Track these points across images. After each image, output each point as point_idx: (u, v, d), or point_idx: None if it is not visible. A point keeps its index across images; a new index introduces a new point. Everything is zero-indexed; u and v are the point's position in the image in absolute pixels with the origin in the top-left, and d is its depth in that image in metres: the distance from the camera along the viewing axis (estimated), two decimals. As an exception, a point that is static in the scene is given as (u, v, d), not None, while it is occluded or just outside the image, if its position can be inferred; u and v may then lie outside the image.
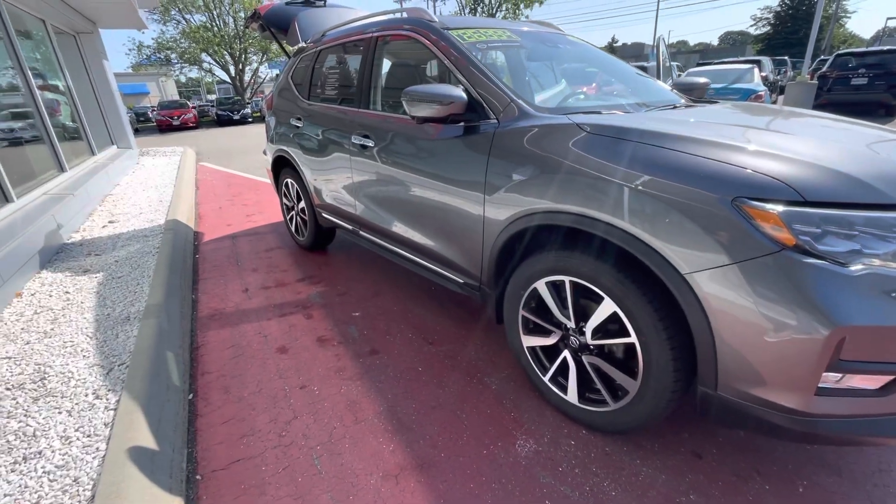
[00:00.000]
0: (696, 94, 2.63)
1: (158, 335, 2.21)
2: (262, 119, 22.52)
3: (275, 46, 23.92)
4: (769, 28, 46.32)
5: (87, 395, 1.82)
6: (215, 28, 23.16)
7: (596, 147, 1.43)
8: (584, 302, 1.57)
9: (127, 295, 2.73)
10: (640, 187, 1.29)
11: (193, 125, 19.98)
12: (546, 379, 1.77)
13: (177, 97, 39.46)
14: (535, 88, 2.09)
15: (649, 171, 1.29)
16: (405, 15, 2.39)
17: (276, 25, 3.68)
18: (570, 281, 1.55)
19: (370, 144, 2.39)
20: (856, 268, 1.07)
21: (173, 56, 23.88)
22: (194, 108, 23.08)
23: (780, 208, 1.10)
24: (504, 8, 26.95)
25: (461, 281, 2.08)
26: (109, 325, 2.37)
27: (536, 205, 1.56)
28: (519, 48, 2.30)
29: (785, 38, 42.72)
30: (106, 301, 2.66)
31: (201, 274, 3.32)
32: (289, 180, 3.55)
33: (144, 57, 23.84)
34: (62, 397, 1.81)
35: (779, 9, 45.16)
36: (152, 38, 23.58)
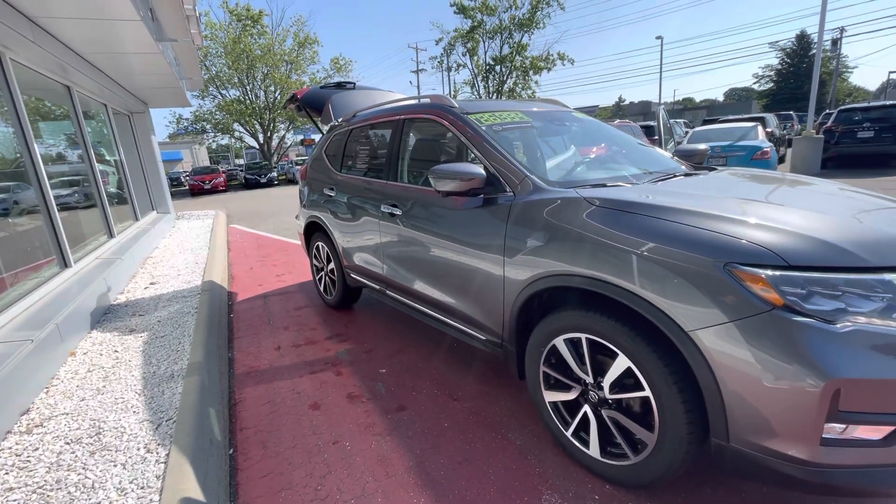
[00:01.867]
0: (695, 161, 2.85)
1: (200, 392, 2.37)
2: (287, 182, 23.81)
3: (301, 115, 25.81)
4: (772, 84, 47.96)
5: (138, 449, 1.96)
6: (247, 101, 25.21)
7: (604, 218, 1.62)
8: (601, 358, 1.69)
9: (170, 353, 2.93)
10: (644, 253, 1.46)
11: (223, 189, 21.21)
12: (569, 434, 1.84)
13: (208, 163, 42.17)
14: (547, 164, 2.34)
15: (652, 239, 1.47)
16: (429, 100, 2.73)
17: (312, 106, 4.15)
18: (587, 338, 1.68)
19: (398, 212, 2.65)
20: (842, 324, 1.20)
21: (208, 126, 25.88)
22: (224, 172, 24.62)
23: (766, 272, 1.26)
24: (514, 75, 28.72)
25: (483, 338, 2.22)
26: (156, 383, 2.55)
27: (553, 267, 1.73)
28: (530, 128, 2.59)
29: (790, 93, 44.10)
30: (151, 359, 2.86)
31: (236, 332, 3.52)
32: (320, 243, 3.83)
33: (182, 128, 25.86)
34: (116, 451, 1.95)
35: (780, 67, 46.98)
36: (191, 112, 25.71)
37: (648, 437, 1.56)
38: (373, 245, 3.00)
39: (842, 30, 39.50)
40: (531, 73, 28.44)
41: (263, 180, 21.97)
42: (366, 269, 3.18)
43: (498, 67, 29.19)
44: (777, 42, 46.90)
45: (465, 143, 2.30)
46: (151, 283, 4.69)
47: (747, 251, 1.31)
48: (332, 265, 3.70)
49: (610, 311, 1.60)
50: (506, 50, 29.46)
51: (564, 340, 1.77)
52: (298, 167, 22.98)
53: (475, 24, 28.25)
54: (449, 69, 32.03)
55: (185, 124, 25.53)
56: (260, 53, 23.35)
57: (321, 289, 4.01)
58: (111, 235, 5.37)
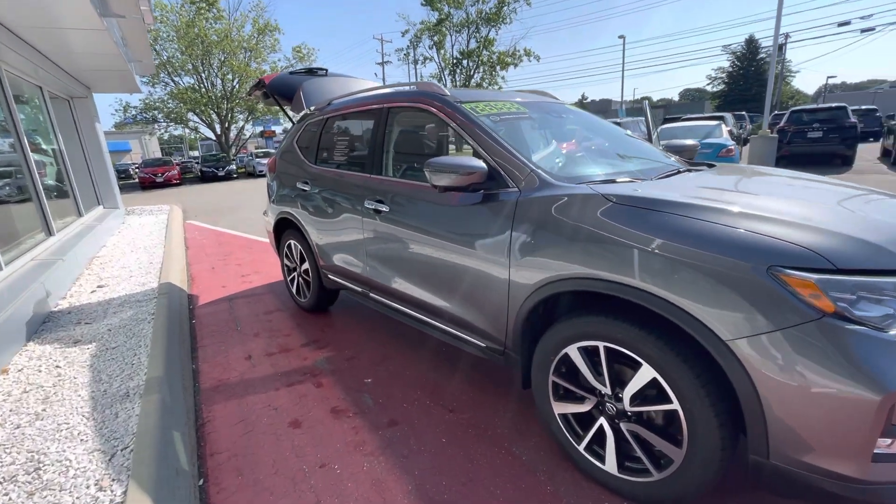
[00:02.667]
0: (686, 156, 2.80)
1: (162, 412, 2.09)
2: (247, 175, 22.77)
3: (261, 106, 24.68)
4: (724, 86, 50.40)
5: (88, 487, 1.67)
6: (203, 89, 23.84)
7: (625, 216, 1.49)
8: (621, 367, 1.56)
9: (124, 367, 2.59)
10: (673, 255, 1.34)
11: (177, 182, 20.00)
12: (581, 448, 1.72)
13: (159, 154, 39.79)
14: (549, 157, 2.19)
15: (681, 239, 1.35)
16: (416, 88, 2.52)
17: (280, 93, 3.82)
18: (606, 346, 1.55)
19: (384, 209, 2.43)
20: (894, 332, 1.11)
21: (159, 115, 24.30)
22: (178, 164, 23.24)
23: (815, 276, 1.15)
24: (481, 70, 28.69)
25: (483, 345, 2.06)
26: (107, 403, 2.23)
27: (568, 270, 1.59)
28: (528, 119, 2.43)
29: (739, 94, 46.47)
30: (101, 375, 2.52)
31: (200, 341, 3.20)
32: (292, 242, 3.55)
33: (130, 116, 24.16)
34: (61, 490, 1.66)
35: (731, 69, 49.41)
36: (140, 99, 24.02)
37: (674, 453, 1.45)
38: (354, 244, 2.77)
39: (786, 36, 41.88)
40: (498, 68, 28.49)
41: (221, 173, 20.89)
42: (345, 269, 2.94)
43: (465, 62, 29.07)
44: (729, 46, 49.23)
45: (462, 134, 2.12)
46: (99, 287, 4.24)
47: (791, 253, 1.20)
48: (306, 265, 3.43)
49: (633, 318, 1.47)
50: (472, 44, 29.40)
51: (579, 349, 1.64)
52: (259, 159, 22.08)
53: (442, 16, 27.97)
54: (415, 62, 31.59)
55: (134, 113, 23.85)
56: (216, 39, 22.10)
57: (294, 291, 3.73)
58: (50, 233, 4.82)
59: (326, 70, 4.16)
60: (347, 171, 2.88)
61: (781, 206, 1.50)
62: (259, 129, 37.10)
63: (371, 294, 2.77)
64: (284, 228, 3.69)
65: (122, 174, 27.28)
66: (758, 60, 48.04)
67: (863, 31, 26.48)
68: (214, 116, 25.14)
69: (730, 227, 1.32)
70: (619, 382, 1.57)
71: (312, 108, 3.50)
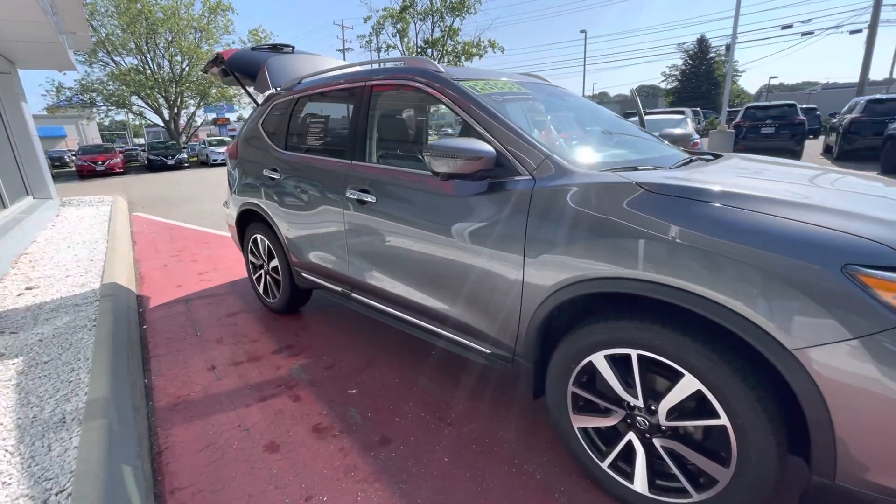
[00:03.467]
0: (682, 145, 2.68)
1: (107, 442, 1.75)
2: (200, 164, 21.43)
3: (213, 91, 23.26)
4: (677, 83, 52.48)
5: (11, 548, 1.33)
6: (148, 71, 22.12)
7: (665, 208, 1.31)
8: (656, 377, 1.39)
9: (59, 386, 2.20)
10: (727, 253, 1.17)
11: (120, 171, 18.51)
12: (605, 465, 1.55)
13: (99, 140, 36.87)
14: (561, 142, 1.99)
15: (735, 234, 1.18)
16: (404, 64, 2.25)
17: (241, 71, 3.42)
18: (640, 355, 1.38)
19: (370, 200, 2.16)
20: None
21: (98, 98, 22.35)
22: (121, 152, 21.55)
23: None
24: (446, 60, 28.33)
25: (487, 351, 1.85)
26: (38, 433, 1.85)
27: (596, 270, 1.39)
28: (531, 101, 2.23)
29: (691, 91, 48.54)
30: (30, 398, 2.11)
31: (153, 350, 2.80)
32: (258, 236, 3.19)
33: (65, 99, 22.10)
34: (-27, 555, 1.31)
35: (684, 67, 51.49)
36: (74, 80, 21.95)
37: (719, 472, 1.29)
38: (333, 238, 2.48)
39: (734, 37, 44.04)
40: (463, 58, 28.20)
41: (171, 162, 19.53)
42: (323, 267, 2.64)
43: (430, 51, 28.59)
44: (683, 44, 51.21)
45: (462, 115, 1.88)
46: (28, 289, 3.69)
47: (868, 250, 1.06)
48: (275, 262, 3.09)
49: (674, 323, 1.30)
50: (437, 33, 28.99)
51: (606, 357, 1.46)
52: (213, 148, 20.80)
53: (406, 3, 27.33)
54: (378, 49, 30.76)
55: (69, 95, 21.83)
56: (162, 17, 20.52)
57: (261, 290, 3.38)
58: (-34, 227, 4.18)
59: (293, 47, 3.79)
60: (324, 157, 2.57)
61: (832, 197, 1.36)
62: (212, 115, 35.00)
63: (353, 294, 2.50)
64: (249, 221, 3.32)
65: (57, 162, 25.07)
66: (708, 59, 50.29)
67: (803, 34, 28.19)
68: (162, 101, 23.45)
69: (790, 220, 1.16)
70: (653, 394, 1.40)
71: (279, 87, 3.15)
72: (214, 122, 38.05)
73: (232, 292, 3.79)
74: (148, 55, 21.95)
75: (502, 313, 1.72)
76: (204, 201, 9.08)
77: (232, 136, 37.73)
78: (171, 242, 5.64)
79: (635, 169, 1.67)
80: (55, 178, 8.09)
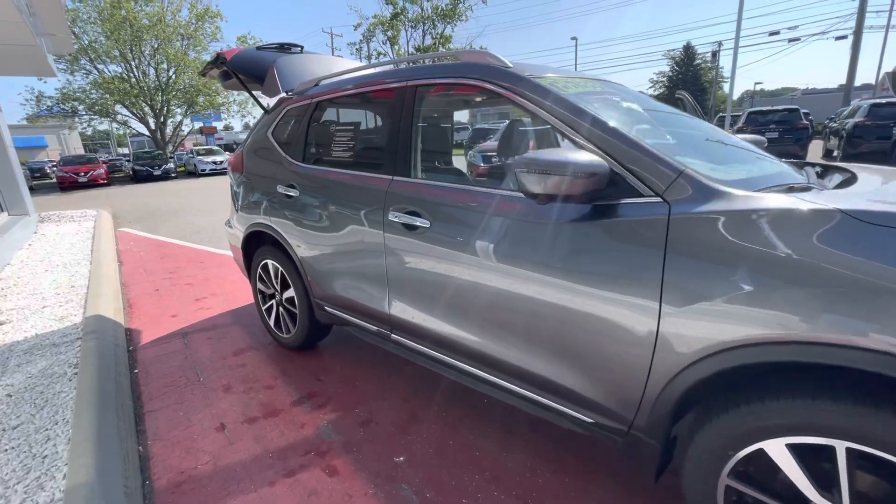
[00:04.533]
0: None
1: (94, 555, 1.30)
2: (188, 174, 20.79)
3: (201, 99, 22.69)
4: (664, 89, 53.11)
5: None
6: (133, 79, 21.47)
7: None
8: (872, 478, 1.01)
9: (30, 465, 1.74)
10: None
11: (104, 182, 17.79)
12: (777, 586, 1.15)
13: (81, 150, 35.89)
14: (684, 153, 1.60)
15: None
16: (460, 60, 1.86)
17: (246, 72, 2.99)
18: (849, 448, 0.99)
19: (422, 224, 1.75)
20: None
21: (81, 107, 21.60)
22: (105, 162, 20.82)
23: None
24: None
25: (588, 420, 1.45)
26: (-1, 543, 1.40)
27: (788, 331, 1.01)
28: (627, 102, 1.85)
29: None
30: (-8, 483, 1.65)
31: (148, 403, 2.34)
32: (269, 262, 2.76)
33: (45, 108, 21.32)
34: None
35: (671, 73, 52.20)
36: (56, 88, 21.24)
37: None
38: (368, 269, 2.06)
39: (720, 44, 44.87)
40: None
41: (158, 172, 18.87)
42: (352, 301, 2.22)
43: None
44: (670, 51, 51.93)
45: (552, 121, 1.49)
46: (-2, 324, 3.20)
47: None
48: (290, 293, 2.66)
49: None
50: (428, 41, 28.85)
51: (789, 446, 1.07)
52: (202, 157, 20.16)
53: (397, 10, 27.14)
54: (369, 57, 30.46)
55: (50, 104, 21.08)
56: (148, 24, 19.94)
57: (271, 323, 2.93)
58: (-74, 252, 3.67)
59: (302, 47, 3.39)
60: (355, 171, 2.16)
61: None
62: (198, 124, 34.23)
63: (394, 336, 2.08)
64: (258, 244, 2.89)
65: (37, 173, 24.22)
66: (695, 66, 51.04)
67: (790, 40, 28.59)
68: (147, 109, 22.77)
69: None
70: (864, 499, 1.01)
71: (290, 91, 2.75)
72: (200, 130, 37.31)
73: (235, 323, 3.33)
74: (133, 63, 21.32)
75: (618, 375, 1.32)
76: (194, 214, 8.57)
77: (219, 145, 37.09)
78: (162, 262, 5.15)
79: (806, 189, 1.29)
80: (35, 190, 7.55)
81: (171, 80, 22.16)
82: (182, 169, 22.53)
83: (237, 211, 2.97)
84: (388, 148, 2.00)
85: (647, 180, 1.28)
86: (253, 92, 3.25)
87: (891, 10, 25.08)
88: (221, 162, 20.24)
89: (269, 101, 2.97)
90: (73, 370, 2.46)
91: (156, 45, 20.92)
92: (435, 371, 1.96)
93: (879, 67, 27.85)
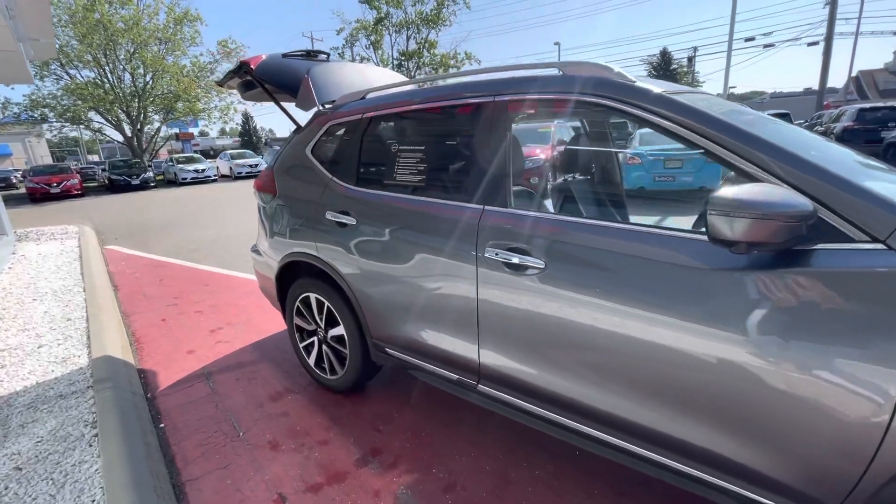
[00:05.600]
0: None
1: None
2: (168, 183, 20.03)
3: (181, 104, 21.90)
4: (643, 93, 54.12)
5: None
6: (107, 85, 20.55)
7: None
8: None
9: (62, 571, 1.41)
10: None
11: (78, 192, 16.91)
12: None
13: (49, 159, 34.38)
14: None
15: None
16: (564, 71, 1.62)
17: (276, 82, 2.68)
18: None
19: (535, 264, 1.50)
20: None
21: (51, 114, 20.56)
22: (78, 171, 19.87)
23: None
24: (424, 72, 28.01)
25: (764, 502, 1.22)
26: None
27: None
28: (775, 124, 1.64)
29: (657, 101, 50.17)
30: None
31: (184, 469, 2.01)
32: (312, 295, 2.45)
33: (12, 115, 20.21)
34: None
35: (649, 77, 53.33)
36: (24, 95, 20.13)
37: None
38: (452, 311, 1.79)
39: (695, 49, 46.15)
40: (441, 70, 27.88)
41: (136, 182, 18.06)
42: (426, 346, 1.95)
43: (407, 63, 28.15)
44: (650, 56, 53.00)
45: (710, 147, 1.27)
46: (-11, 370, 2.80)
47: None
48: (338, 330, 2.36)
49: None
50: (412, 45, 28.69)
51: None
52: (183, 165, 19.41)
53: (381, 15, 26.87)
54: (352, 62, 30.09)
55: (17, 111, 20.00)
56: (123, 27, 19.14)
57: (311, 362, 2.62)
58: None
59: (328, 55, 3.11)
60: (431, 199, 1.90)
61: None
62: (174, 130, 33.04)
63: (481, 387, 1.81)
64: (296, 275, 2.59)
65: (1, 183, 23.03)
66: (671, 71, 52.24)
67: (765, 46, 29.50)
68: (123, 116, 21.84)
69: None
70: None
71: (327, 103, 2.48)
72: (176, 136, 36.06)
73: (263, 359, 3.00)
74: (107, 67, 20.42)
75: (826, 457, 1.10)
76: (187, 229, 8.10)
77: (196, 152, 35.86)
78: (163, 285, 4.74)
79: None
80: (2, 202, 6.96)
81: (147, 86, 21.32)
82: (161, 178, 21.70)
83: (269, 237, 2.66)
84: (475, 173, 1.75)
85: (860, 223, 1.06)
86: (282, 103, 2.96)
87: (859, 18, 26.18)
88: (204, 170, 19.57)
89: (301, 113, 2.69)
90: (92, 431, 2.11)
91: (132, 50, 20.09)
92: (526, 424, 1.71)
93: (850, 72, 29.00)
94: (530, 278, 1.52)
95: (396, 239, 1.96)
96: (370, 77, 2.91)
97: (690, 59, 46.93)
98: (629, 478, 1.82)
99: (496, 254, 1.60)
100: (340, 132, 2.39)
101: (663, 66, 53.59)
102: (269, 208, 2.67)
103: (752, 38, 28.51)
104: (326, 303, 2.38)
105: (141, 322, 3.76)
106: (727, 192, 1.07)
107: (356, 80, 2.75)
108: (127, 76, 21.08)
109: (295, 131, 2.71)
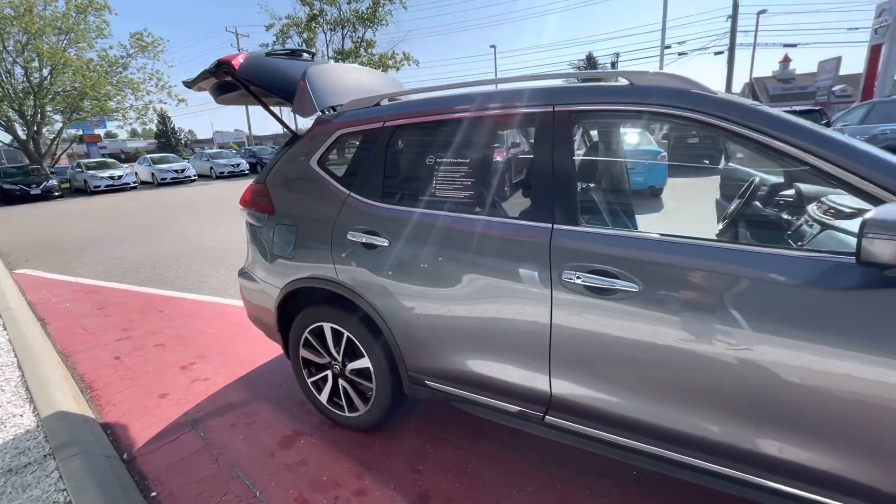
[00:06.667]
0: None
1: None
2: (77, 192, 17.81)
3: (88, 103, 19.52)
4: (571, 96, 57.07)
5: None
6: (-6, 80, 17.82)
7: None
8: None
9: None
10: None
11: (-39, 205, 14.49)
12: None
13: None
14: None
15: None
16: (628, 82, 1.54)
17: (266, 85, 2.36)
18: None
19: (627, 287, 1.40)
20: None
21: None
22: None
23: None
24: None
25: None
26: None
27: None
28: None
29: (585, 104, 53.22)
30: None
31: (200, 548, 1.68)
32: (327, 325, 2.18)
33: None
34: None
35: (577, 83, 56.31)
36: None
37: None
38: (520, 338, 1.64)
39: (617, 55, 49.43)
40: (380, 71, 27.43)
41: (37, 191, 15.85)
42: (482, 377, 1.78)
43: (344, 63, 27.33)
44: (578, 61, 55.78)
45: (816, 164, 1.24)
46: None
47: None
48: (361, 363, 2.12)
49: None
50: (349, 44, 27.97)
51: None
52: (95, 171, 17.28)
53: (314, 13, 25.84)
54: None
55: None
56: (12, 14, 16.66)
57: (322, 399, 2.34)
58: None
59: (314, 53, 2.84)
60: (483, 217, 1.73)
61: None
62: (77, 131, 29.35)
63: (549, 418, 1.68)
64: (302, 303, 2.30)
65: None
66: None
67: (679, 53, 32.25)
68: (14, 115, 19.03)
69: None
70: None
71: (328, 109, 2.24)
72: (80, 139, 32.13)
73: (256, 397, 2.65)
74: (-9, 60, 17.71)
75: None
76: (115, 245, 7.16)
77: (104, 155, 32.14)
78: (105, 316, 4.10)
79: None
80: None
81: (45, 81, 18.76)
82: (67, 186, 19.21)
83: (268, 261, 2.33)
84: (538, 188, 1.61)
85: None
86: (270, 108, 2.62)
87: (756, 31, 29.56)
88: (121, 176, 17.65)
89: (305, 120, 2.40)
90: (68, 515, 1.70)
91: (24, 40, 17.55)
92: (595, 452, 1.62)
93: (750, 79, 32.60)
94: (621, 302, 1.42)
95: (443, 261, 1.77)
96: (367, 80, 2.69)
97: (613, 64, 50.15)
98: (712, 496, 1.78)
99: (576, 277, 1.47)
100: (355, 142, 2.14)
101: (590, 70, 56.96)
102: (265, 228, 2.34)
103: (668, 46, 30.96)
104: (346, 333, 2.13)
105: (89, 363, 3.19)
106: (885, 210, 1.02)
107: (356, 83, 2.52)
108: (18, 70, 18.41)
109: (291, 140, 2.41)
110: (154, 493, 1.95)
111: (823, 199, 1.96)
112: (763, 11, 30.04)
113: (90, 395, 2.77)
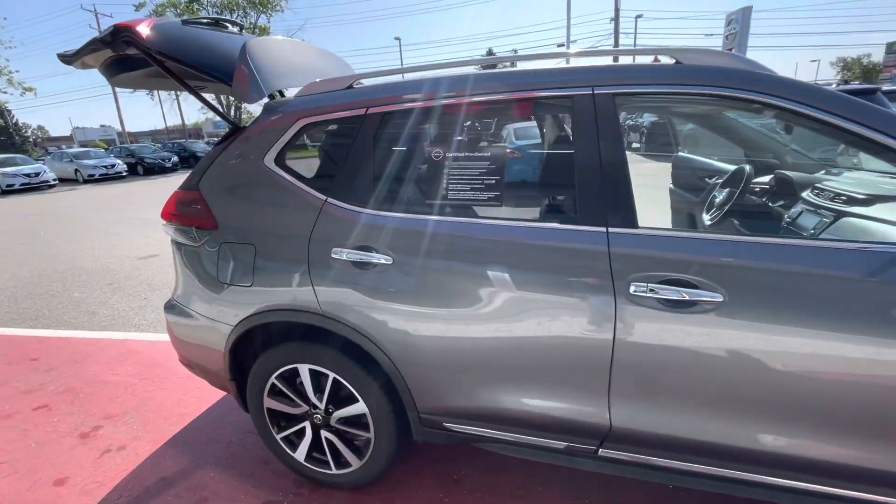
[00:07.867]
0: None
1: None
2: None
3: None
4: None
5: None
6: None
7: None
8: None
9: None
10: None
11: None
12: None
13: None
14: None
15: None
16: (674, 60, 1.34)
17: (188, 60, 1.78)
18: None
19: (711, 298, 1.20)
20: None
21: None
22: None
23: None
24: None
25: None
26: None
27: None
28: None
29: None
30: None
31: None
32: (305, 367, 1.72)
33: None
34: None
35: (478, 77, 58.44)
36: None
37: None
38: (572, 365, 1.38)
39: (515, 51, 52.20)
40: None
41: None
42: (519, 412, 1.48)
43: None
44: (477, 57, 57.54)
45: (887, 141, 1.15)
46: None
47: None
48: (355, 408, 1.70)
49: None
50: (240, 30, 25.55)
51: None
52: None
53: (196, -9, 23.10)
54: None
55: None
56: None
57: (298, 456, 1.87)
58: None
59: (241, 27, 2.31)
60: (514, 222, 1.42)
61: None
62: None
63: (604, 451, 1.45)
64: (263, 342, 1.81)
65: None
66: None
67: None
68: None
69: None
70: None
71: (275, 93, 1.80)
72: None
73: (201, 463, 2.06)
74: None
75: None
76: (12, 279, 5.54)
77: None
78: (12, 372, 3.03)
79: None
80: None
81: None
82: None
83: (213, 291, 1.79)
84: (584, 185, 1.35)
85: None
86: (195, 89, 2.02)
87: (635, 33, 32.97)
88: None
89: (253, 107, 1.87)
90: None
91: None
92: (660, 482, 1.44)
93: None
94: (704, 315, 1.22)
95: (469, 280, 1.43)
96: (317, 60, 2.23)
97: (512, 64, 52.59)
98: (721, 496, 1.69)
99: (648, 289, 1.25)
100: (326, 134, 1.71)
101: (490, 67, 59.04)
102: (205, 248, 1.79)
103: (563, 45, 33.12)
104: (332, 374, 1.69)
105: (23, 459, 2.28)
106: None
107: (305, 62, 2.07)
108: None
109: (231, 133, 1.87)
110: None
111: (817, 185, 1.99)
112: (640, 16, 33.74)
113: (-59, 498, 1.95)
